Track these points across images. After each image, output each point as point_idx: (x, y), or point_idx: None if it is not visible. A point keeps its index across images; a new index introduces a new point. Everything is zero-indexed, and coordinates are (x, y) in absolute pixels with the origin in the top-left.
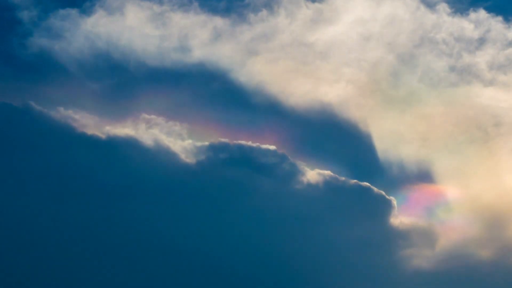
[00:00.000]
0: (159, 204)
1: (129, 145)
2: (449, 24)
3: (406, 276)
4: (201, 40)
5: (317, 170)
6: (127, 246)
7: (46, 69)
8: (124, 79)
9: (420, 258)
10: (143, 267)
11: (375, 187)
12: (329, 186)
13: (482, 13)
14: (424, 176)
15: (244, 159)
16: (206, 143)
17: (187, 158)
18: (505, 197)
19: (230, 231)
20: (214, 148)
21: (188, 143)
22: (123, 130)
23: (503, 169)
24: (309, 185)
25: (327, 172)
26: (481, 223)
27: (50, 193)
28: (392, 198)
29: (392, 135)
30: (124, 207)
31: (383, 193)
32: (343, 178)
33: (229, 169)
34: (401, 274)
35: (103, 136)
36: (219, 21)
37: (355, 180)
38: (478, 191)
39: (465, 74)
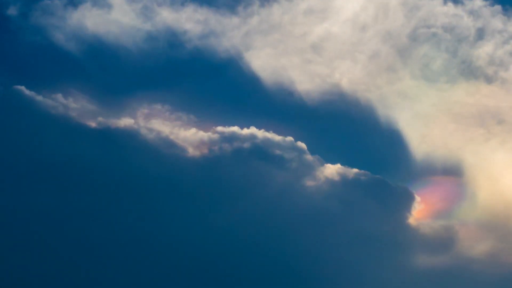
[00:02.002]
0: (161, 199)
1: (130, 137)
2: (444, 13)
3: (421, 275)
4: (193, 33)
5: (331, 164)
6: (127, 242)
7: (35, 59)
8: (120, 70)
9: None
10: (144, 264)
11: (392, 181)
12: (344, 180)
13: (478, 2)
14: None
15: (255, 150)
16: (212, 134)
17: (192, 150)
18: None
19: (239, 229)
20: (221, 139)
21: (193, 134)
22: (122, 121)
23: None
24: (324, 178)
25: (341, 165)
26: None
27: (42, 187)
28: (410, 193)
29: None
30: (125, 202)
31: (402, 187)
32: (356, 171)
33: (239, 161)
34: (415, 273)
35: (100, 127)
36: (210, 14)
37: (370, 173)
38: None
39: (462, 69)
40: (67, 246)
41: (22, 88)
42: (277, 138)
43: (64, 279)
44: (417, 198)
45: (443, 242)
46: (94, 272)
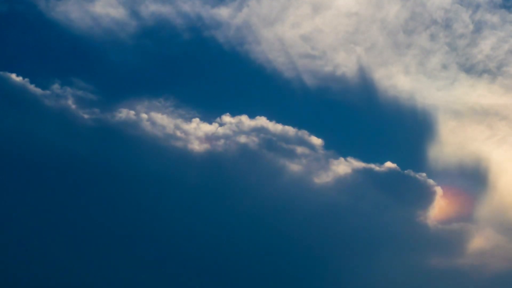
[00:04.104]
0: (163, 195)
1: (129, 130)
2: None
3: (435, 276)
4: (185, 25)
5: (346, 158)
6: (126, 239)
7: (27, 47)
8: (117, 62)
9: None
10: (145, 262)
11: (410, 176)
12: (359, 175)
13: None
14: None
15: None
16: (217, 126)
17: (196, 142)
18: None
19: (245, 226)
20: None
21: (196, 127)
22: (121, 113)
23: None
24: (338, 173)
25: (355, 160)
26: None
27: (36, 185)
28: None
29: None
30: (123, 198)
31: (419, 184)
32: (370, 165)
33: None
34: (430, 275)
35: (97, 120)
36: (199, 6)
37: (382, 167)
38: None
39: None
40: (64, 243)
41: (12, 75)
42: (291, 131)
43: (59, 275)
44: (436, 195)
45: (456, 242)
46: (91, 269)
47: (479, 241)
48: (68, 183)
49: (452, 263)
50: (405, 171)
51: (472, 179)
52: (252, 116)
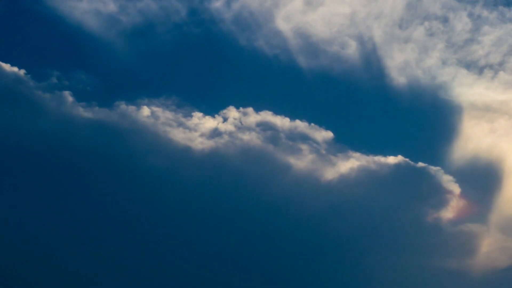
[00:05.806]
0: (163, 193)
1: (128, 126)
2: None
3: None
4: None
5: (353, 151)
6: (126, 239)
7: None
8: (116, 56)
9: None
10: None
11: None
12: (370, 171)
13: None
14: None
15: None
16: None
17: (198, 139)
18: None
19: (251, 225)
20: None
21: (197, 122)
22: (120, 108)
23: None
24: (348, 169)
25: (366, 155)
26: None
27: (31, 179)
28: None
29: None
30: (123, 195)
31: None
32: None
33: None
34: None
35: (96, 114)
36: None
37: (388, 162)
38: None
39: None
40: (61, 239)
41: (6, 66)
42: (299, 124)
43: (56, 273)
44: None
45: (467, 244)
46: (88, 265)
47: (488, 241)
48: (65, 178)
49: (464, 264)
50: (417, 164)
51: (483, 176)
52: (257, 109)
